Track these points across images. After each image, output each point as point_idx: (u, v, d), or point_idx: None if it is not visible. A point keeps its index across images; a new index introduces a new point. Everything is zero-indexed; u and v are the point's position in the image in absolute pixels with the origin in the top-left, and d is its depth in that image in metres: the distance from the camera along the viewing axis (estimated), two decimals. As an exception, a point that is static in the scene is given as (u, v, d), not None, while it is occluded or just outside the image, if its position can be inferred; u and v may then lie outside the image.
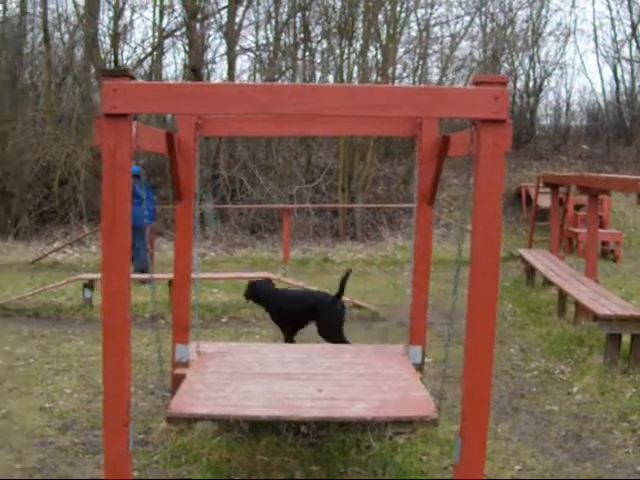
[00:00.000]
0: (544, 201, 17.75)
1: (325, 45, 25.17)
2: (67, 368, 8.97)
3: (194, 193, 7.05)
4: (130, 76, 4.49)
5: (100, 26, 25.41)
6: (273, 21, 25.88)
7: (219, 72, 30.57)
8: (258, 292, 9.25)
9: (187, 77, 24.28)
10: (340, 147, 22.84)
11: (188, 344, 7.08)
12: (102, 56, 25.17)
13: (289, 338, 9.14)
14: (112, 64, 24.73)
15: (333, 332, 8.72)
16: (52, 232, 21.42)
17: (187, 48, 25.13)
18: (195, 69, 22.93)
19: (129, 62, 25.63)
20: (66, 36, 26.61)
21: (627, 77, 28.08)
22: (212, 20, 25.23)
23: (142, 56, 25.98)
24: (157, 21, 25.67)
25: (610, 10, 28.28)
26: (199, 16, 24.02)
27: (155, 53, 25.82)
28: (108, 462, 4.82)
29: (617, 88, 28.43)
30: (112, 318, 4.72)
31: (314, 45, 25.44)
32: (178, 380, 6.51)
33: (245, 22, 25.67)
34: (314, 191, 22.98)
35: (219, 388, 6.08)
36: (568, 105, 29.66)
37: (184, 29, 24.81)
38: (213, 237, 21.13)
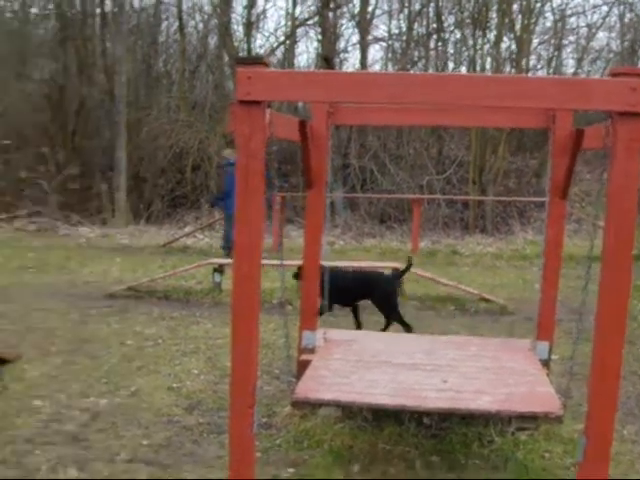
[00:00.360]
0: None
1: (458, 35, 24.98)
2: (195, 350, 9.13)
3: (325, 181, 7.06)
4: (264, 64, 4.53)
5: (233, 15, 25.80)
6: (406, 10, 25.79)
7: (351, 61, 30.54)
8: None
9: (319, 66, 24.38)
10: (472, 139, 22.64)
11: (315, 331, 7.12)
12: (235, 44, 25.54)
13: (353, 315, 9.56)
14: (245, 52, 25.01)
15: (388, 309, 8.93)
16: (183, 217, 21.95)
17: (320, 37, 25.24)
18: (327, 58, 23.04)
19: (262, 51, 25.90)
20: (200, 25, 27.16)
21: None
22: (345, 9, 25.27)
23: (275, 45, 26.29)
24: (290, 10, 25.94)
25: None
26: (332, 5, 24.08)
27: (288, 42, 26.07)
28: (232, 442, 4.88)
29: None
30: (242, 302, 4.77)
31: (447, 35, 25.29)
32: (304, 366, 6.54)
33: (378, 11, 25.70)
34: (445, 182, 22.84)
35: (344, 375, 6.10)
36: None
37: (317, 18, 24.93)
38: (342, 226, 21.20)
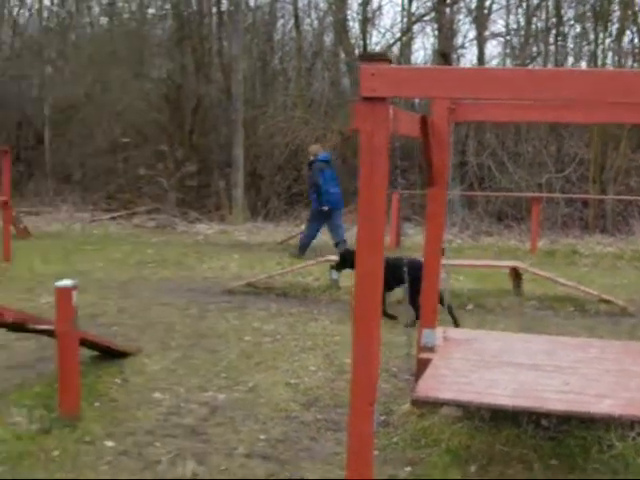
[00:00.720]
0: None
1: (578, 29, 24.52)
2: (313, 347, 9.17)
3: (446, 179, 6.99)
4: (388, 60, 4.52)
5: (349, 12, 25.81)
6: (524, 4, 25.44)
7: (468, 57, 30.43)
8: (349, 260, 10.28)
9: (436, 62, 24.24)
10: (592, 136, 22.16)
11: (435, 329, 7.06)
12: (351, 41, 25.55)
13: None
14: (361, 49, 25.05)
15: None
16: (300, 214, 22.03)
17: (436, 33, 25.11)
18: (445, 54, 22.90)
19: (377, 48, 25.88)
20: (316, 22, 27.23)
21: None
22: (462, 4, 25.09)
23: (391, 41, 26.18)
24: (406, 6, 25.81)
25: None
26: (448, 0, 23.91)
27: (404, 38, 25.95)
28: (351, 440, 4.86)
29: None
30: (364, 299, 4.76)
31: (566, 29, 24.81)
32: (423, 364, 6.49)
33: (495, 6, 25.44)
34: (564, 180, 22.41)
35: (464, 374, 6.05)
36: None
37: (433, 14, 24.77)
38: (460, 224, 21.02)
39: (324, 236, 17.96)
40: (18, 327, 6.99)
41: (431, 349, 6.97)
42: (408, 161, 22.56)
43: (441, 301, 8.40)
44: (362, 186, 4.57)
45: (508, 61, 25.30)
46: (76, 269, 13.97)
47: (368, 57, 4.57)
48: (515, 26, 25.93)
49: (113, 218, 22.70)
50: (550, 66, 23.48)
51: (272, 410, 7.04)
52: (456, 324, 9.53)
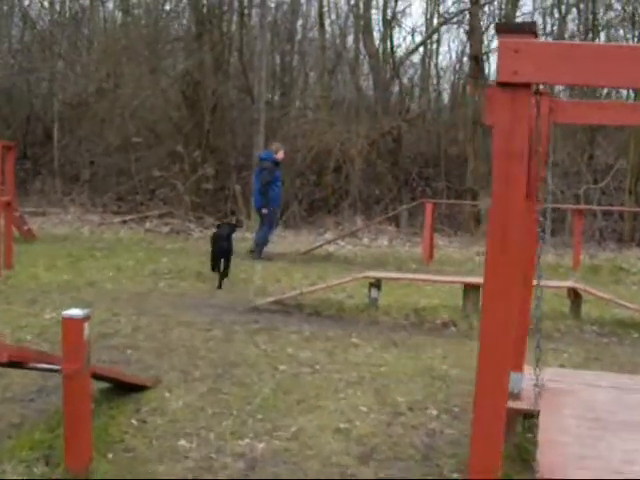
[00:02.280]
0: None
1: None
2: (358, 380, 7.93)
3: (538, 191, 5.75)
4: (533, 32, 3.28)
5: (373, 11, 24.78)
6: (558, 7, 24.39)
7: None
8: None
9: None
10: (629, 145, 21.03)
11: (522, 372, 5.85)
12: (375, 42, 24.49)
13: None
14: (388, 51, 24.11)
15: None
16: (324, 221, 20.75)
17: (463, 36, 24.15)
18: (477, 57, 21.80)
19: (402, 49, 24.99)
20: (338, 22, 26.26)
21: None
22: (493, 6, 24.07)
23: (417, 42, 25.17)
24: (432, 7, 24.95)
25: None
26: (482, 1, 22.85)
27: (430, 40, 25.01)
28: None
29: None
30: (492, 323, 3.83)
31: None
32: (509, 416, 5.27)
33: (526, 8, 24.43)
34: (600, 192, 21.22)
35: (589, 442, 4.82)
36: None
37: (463, 15, 23.78)
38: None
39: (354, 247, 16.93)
40: (16, 365, 5.69)
41: (517, 396, 5.77)
42: (433, 168, 21.65)
43: None
44: (495, 194, 3.42)
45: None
46: (84, 279, 12.88)
47: (508, 28, 3.33)
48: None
49: (124, 222, 21.37)
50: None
51: (322, 465, 5.86)
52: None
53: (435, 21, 25.28)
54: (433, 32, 24.96)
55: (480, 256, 17.49)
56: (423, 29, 26.10)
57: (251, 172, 20.65)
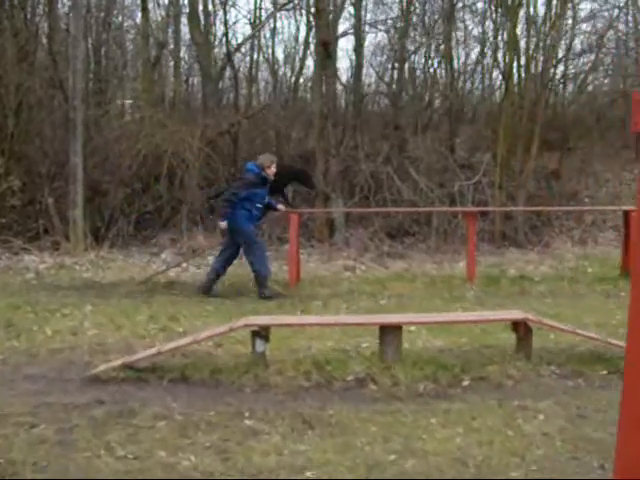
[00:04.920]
0: None
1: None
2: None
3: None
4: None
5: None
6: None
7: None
8: None
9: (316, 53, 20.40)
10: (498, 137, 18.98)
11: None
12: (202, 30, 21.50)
13: None
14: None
15: None
16: (159, 240, 17.37)
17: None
18: (326, 43, 19.02)
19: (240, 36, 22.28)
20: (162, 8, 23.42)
21: None
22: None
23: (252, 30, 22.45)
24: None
25: None
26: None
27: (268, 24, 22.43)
28: None
29: None
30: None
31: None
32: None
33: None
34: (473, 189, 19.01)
35: None
36: None
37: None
38: (355, 243, 17.25)
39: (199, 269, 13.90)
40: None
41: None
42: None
43: None
44: None
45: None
46: None
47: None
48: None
49: None
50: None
51: None
52: None
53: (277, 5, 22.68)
54: (269, 17, 22.26)
55: (349, 271, 14.91)
56: (262, 14, 23.55)
57: (70, 182, 17.12)
